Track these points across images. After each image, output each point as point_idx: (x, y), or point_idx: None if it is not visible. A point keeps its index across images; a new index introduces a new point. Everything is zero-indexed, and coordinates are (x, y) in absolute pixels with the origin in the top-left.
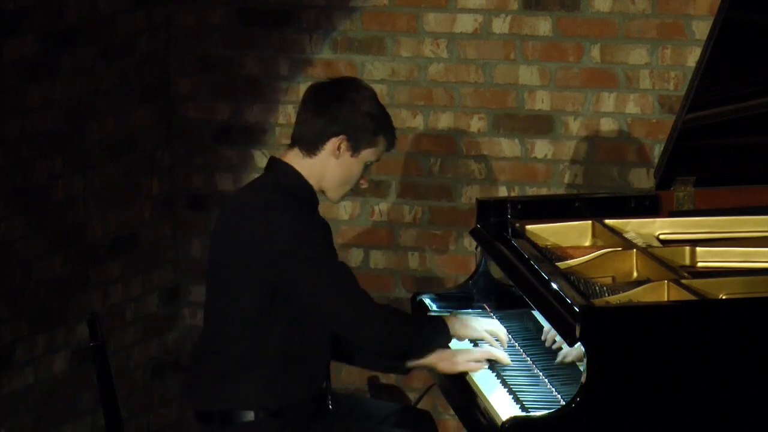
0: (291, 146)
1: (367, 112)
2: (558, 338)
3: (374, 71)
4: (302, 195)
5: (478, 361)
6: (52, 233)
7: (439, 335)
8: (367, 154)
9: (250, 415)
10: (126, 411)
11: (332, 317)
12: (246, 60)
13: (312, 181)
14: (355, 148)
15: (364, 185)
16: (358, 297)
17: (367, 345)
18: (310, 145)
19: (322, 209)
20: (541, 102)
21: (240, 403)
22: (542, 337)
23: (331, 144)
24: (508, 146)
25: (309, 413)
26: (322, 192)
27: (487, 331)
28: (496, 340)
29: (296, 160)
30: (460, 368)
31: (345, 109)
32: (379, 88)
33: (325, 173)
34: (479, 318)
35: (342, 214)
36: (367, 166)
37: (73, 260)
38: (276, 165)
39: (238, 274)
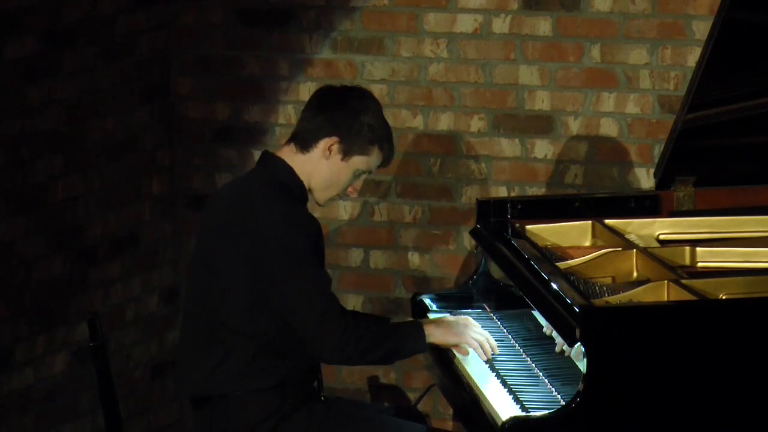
0: (288, 142)
1: (365, 121)
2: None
3: (374, 71)
4: (293, 188)
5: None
6: (52, 233)
7: (412, 344)
8: (358, 161)
9: (246, 392)
10: (126, 411)
11: (295, 321)
12: (246, 60)
13: (302, 178)
14: (346, 152)
15: (353, 194)
16: (325, 308)
17: (322, 359)
18: (304, 141)
19: (322, 210)
20: (541, 102)
21: (237, 386)
22: (544, 330)
23: (324, 143)
24: (508, 146)
25: (305, 389)
26: (310, 191)
27: (474, 339)
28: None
29: (289, 155)
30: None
31: (344, 113)
32: (379, 88)
33: (314, 172)
34: (467, 323)
35: (342, 214)
36: (357, 175)
37: (73, 260)
38: (268, 159)
39: (231, 263)
